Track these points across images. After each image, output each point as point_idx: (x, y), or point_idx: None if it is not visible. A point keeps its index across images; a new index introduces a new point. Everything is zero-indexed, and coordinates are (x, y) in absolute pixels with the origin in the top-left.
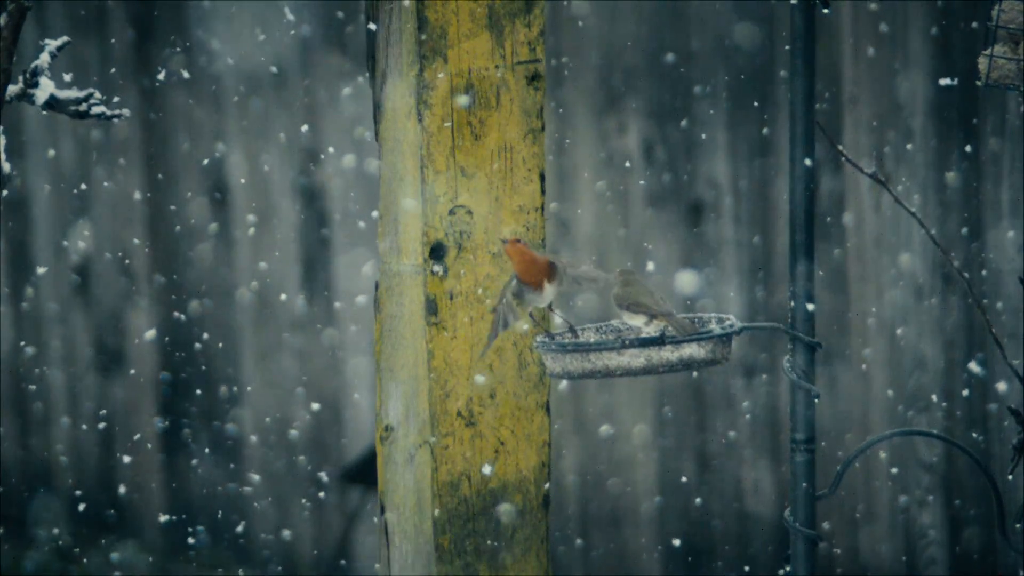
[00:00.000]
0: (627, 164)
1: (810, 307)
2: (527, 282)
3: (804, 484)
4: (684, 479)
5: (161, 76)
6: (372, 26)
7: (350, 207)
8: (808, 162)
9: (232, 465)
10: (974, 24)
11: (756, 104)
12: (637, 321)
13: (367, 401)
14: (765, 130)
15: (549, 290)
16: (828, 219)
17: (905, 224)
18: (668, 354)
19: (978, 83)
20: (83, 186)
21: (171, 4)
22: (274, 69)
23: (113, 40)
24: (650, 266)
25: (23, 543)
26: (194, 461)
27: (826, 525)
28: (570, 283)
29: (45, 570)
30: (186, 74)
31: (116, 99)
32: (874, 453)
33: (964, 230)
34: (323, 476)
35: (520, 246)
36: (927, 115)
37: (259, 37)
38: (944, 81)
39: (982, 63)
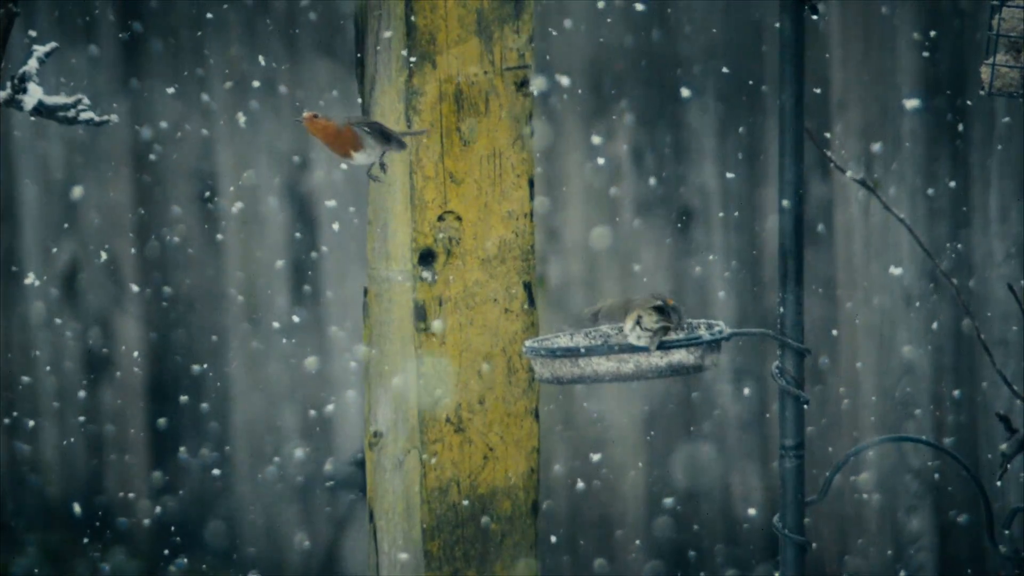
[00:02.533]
0: (616, 170)
1: (799, 313)
2: (337, 155)
3: (793, 490)
4: (673, 485)
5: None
6: (361, 32)
7: (339, 213)
8: (797, 168)
9: (220, 470)
10: (963, 29)
11: (745, 110)
12: (628, 324)
13: (356, 407)
14: (754, 136)
15: (359, 158)
16: (817, 225)
17: (894, 230)
18: (657, 360)
19: (981, 92)
20: (70, 192)
21: (160, 10)
22: (262, 75)
23: (101, 45)
24: (639, 272)
25: (11, 548)
26: (182, 466)
27: (815, 531)
28: (379, 143)
29: (33, 575)
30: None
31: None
32: (863, 459)
33: (952, 236)
34: (312, 482)
35: (318, 121)
36: (916, 121)
37: (247, 42)
38: (932, 88)
39: (984, 72)
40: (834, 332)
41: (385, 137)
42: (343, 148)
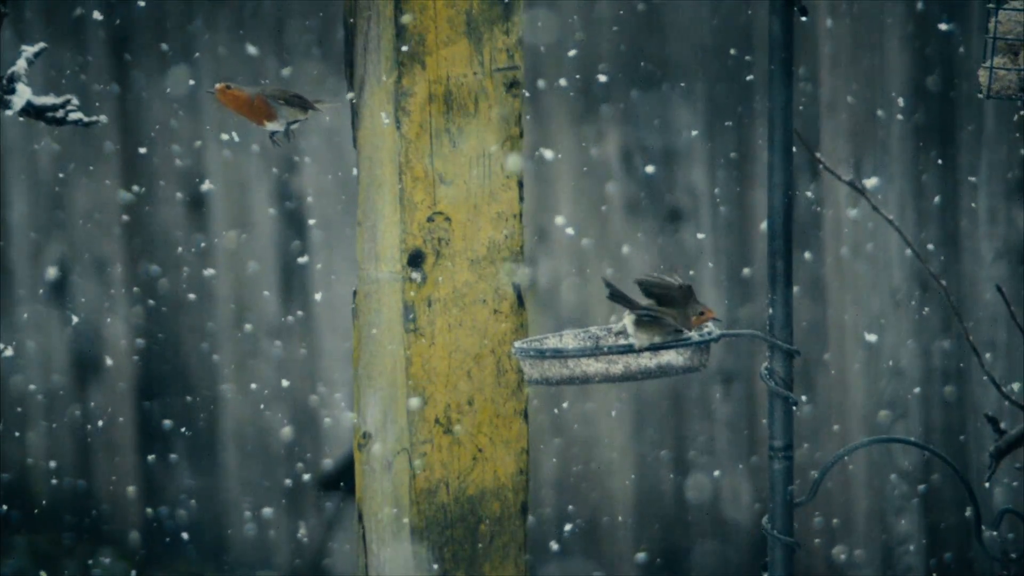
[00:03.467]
0: (605, 171)
1: (788, 314)
2: (252, 123)
3: (782, 491)
4: (662, 486)
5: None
6: (351, 33)
7: (328, 214)
8: (786, 169)
9: (210, 472)
10: (951, 31)
11: (734, 111)
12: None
13: (345, 408)
14: (743, 137)
15: (271, 127)
16: (806, 227)
17: (883, 232)
18: (646, 361)
19: (980, 95)
20: (59, 192)
21: (149, 10)
22: (252, 76)
23: (90, 46)
24: (628, 273)
25: (0, 549)
26: (172, 468)
27: (804, 532)
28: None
29: None
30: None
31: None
32: (852, 460)
33: (941, 238)
34: (301, 483)
35: (230, 91)
36: (905, 123)
37: (237, 44)
38: (921, 90)
39: (982, 75)
40: (823, 333)
41: (303, 105)
42: (256, 118)
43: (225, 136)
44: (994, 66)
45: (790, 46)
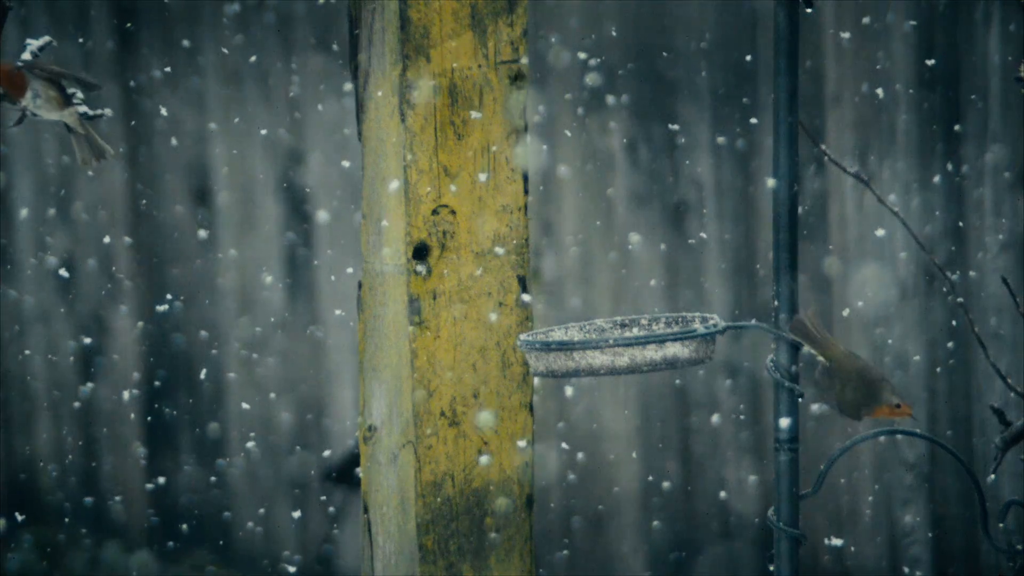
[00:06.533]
0: (610, 164)
1: (793, 306)
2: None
3: (787, 483)
4: (668, 478)
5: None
6: (355, 26)
7: (333, 207)
8: (790, 161)
9: (215, 465)
10: (957, 22)
11: (739, 103)
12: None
13: (350, 401)
14: (748, 129)
15: (23, 103)
16: (811, 218)
17: (888, 224)
18: (652, 353)
19: (1022, 91)
20: (64, 185)
21: (154, 4)
22: (256, 69)
23: (95, 39)
24: (633, 266)
25: (6, 542)
26: (177, 460)
27: (810, 525)
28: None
29: (28, 570)
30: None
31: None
32: (857, 452)
33: (947, 229)
34: (307, 476)
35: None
36: (910, 114)
37: (242, 37)
38: (926, 80)
39: None
40: (829, 325)
41: (83, 85)
42: (13, 92)
43: (230, 128)
44: None
45: (795, 37)
